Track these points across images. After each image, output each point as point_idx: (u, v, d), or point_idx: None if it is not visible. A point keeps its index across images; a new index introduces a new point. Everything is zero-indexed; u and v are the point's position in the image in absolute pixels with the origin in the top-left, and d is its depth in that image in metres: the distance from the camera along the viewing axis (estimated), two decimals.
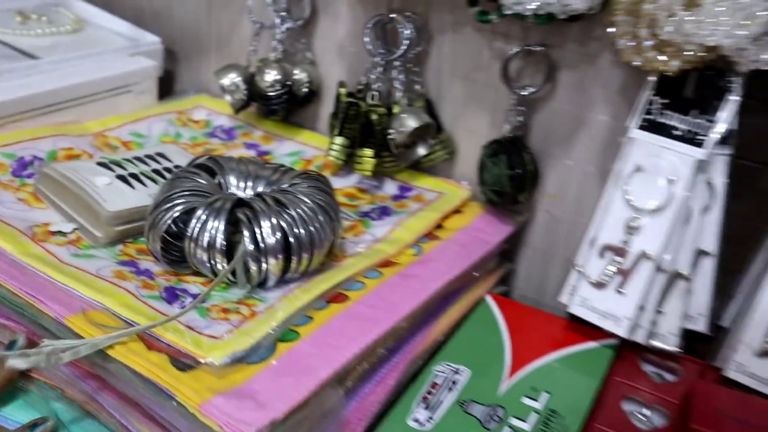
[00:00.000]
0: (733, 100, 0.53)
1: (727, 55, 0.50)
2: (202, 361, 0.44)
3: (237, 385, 0.43)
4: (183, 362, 0.44)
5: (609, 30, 0.54)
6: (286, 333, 0.48)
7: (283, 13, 0.72)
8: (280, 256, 0.51)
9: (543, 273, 0.69)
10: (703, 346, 0.59)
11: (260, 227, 0.50)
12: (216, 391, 0.42)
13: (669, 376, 0.58)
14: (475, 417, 0.51)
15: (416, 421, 0.49)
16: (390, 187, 0.69)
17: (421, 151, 0.68)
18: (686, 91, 0.55)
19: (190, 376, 0.43)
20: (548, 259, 0.69)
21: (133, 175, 0.60)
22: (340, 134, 0.67)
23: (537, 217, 0.68)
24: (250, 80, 0.72)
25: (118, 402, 0.45)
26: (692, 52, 0.51)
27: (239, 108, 0.74)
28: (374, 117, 0.66)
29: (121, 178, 0.59)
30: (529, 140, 0.65)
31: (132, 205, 0.57)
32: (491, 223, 0.66)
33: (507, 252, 0.69)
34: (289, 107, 0.74)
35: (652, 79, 0.56)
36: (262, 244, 0.50)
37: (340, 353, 0.47)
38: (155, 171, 0.62)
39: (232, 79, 0.72)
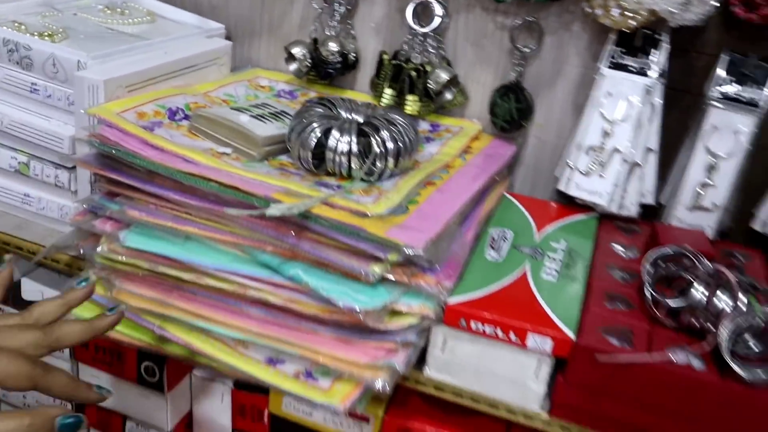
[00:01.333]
0: (666, 47, 0.84)
1: (663, 16, 0.80)
2: (370, 214, 0.69)
3: (398, 224, 0.68)
4: (361, 214, 0.69)
5: (586, 4, 0.84)
6: (409, 201, 0.74)
7: (337, 2, 0.97)
8: (393, 157, 0.76)
9: (533, 181, 0.98)
10: (651, 215, 0.90)
11: (382, 137, 0.76)
12: (387, 228, 0.67)
13: (636, 228, 0.88)
14: (526, 253, 0.78)
15: (491, 256, 0.77)
16: (425, 125, 0.96)
17: (448, 96, 0.95)
18: (636, 42, 0.85)
19: (369, 222, 0.68)
20: (537, 171, 0.97)
21: (260, 116, 0.84)
22: (389, 87, 0.93)
23: (528, 141, 0.97)
24: (314, 51, 0.97)
25: (315, 245, 0.69)
26: (642, 16, 0.81)
27: (302, 74, 0.98)
28: (414, 74, 0.92)
29: (254, 116, 0.83)
30: (526, 84, 0.93)
31: (271, 132, 0.80)
32: (502, 145, 0.94)
33: (509, 167, 0.97)
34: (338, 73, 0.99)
35: (613, 36, 0.85)
36: (383, 148, 0.76)
37: (448, 207, 0.73)
38: (271, 114, 0.85)
39: (300, 50, 0.96)
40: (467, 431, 0.78)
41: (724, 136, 0.83)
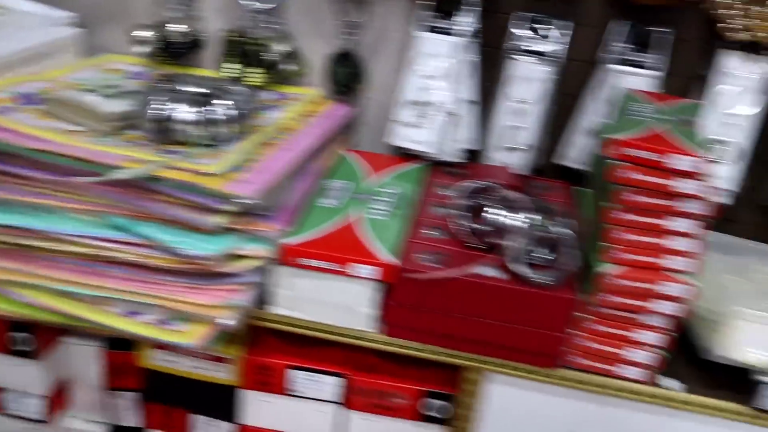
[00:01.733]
0: (474, 10, 0.95)
1: None
2: (209, 172, 0.77)
3: (235, 179, 0.77)
4: (201, 173, 0.77)
5: None
6: (247, 160, 0.82)
7: None
8: (231, 123, 0.85)
9: (373, 139, 1.08)
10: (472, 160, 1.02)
11: (220, 105, 0.84)
12: (225, 183, 0.76)
13: (458, 171, 0.99)
14: (360, 199, 0.89)
15: (328, 203, 0.87)
16: (271, 95, 1.04)
17: (288, 67, 1.03)
18: (444, 6, 0.96)
19: (207, 179, 0.76)
20: (376, 130, 1.08)
21: (108, 96, 0.90)
22: (231, 62, 1.01)
23: (367, 104, 1.07)
24: (163, 34, 1.03)
25: (162, 205, 0.77)
26: None
27: (153, 56, 1.05)
28: (253, 48, 1.01)
29: (102, 96, 0.89)
30: (359, 52, 1.03)
31: (118, 109, 0.87)
32: (338, 108, 1.04)
33: (351, 127, 1.07)
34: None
35: (425, 2, 0.96)
36: (222, 116, 0.84)
37: (282, 163, 0.82)
38: (120, 92, 0.92)
39: (148, 33, 1.03)
40: (318, 360, 0.88)
41: (524, 85, 0.95)
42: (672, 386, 0.79)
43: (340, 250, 0.78)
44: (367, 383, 0.85)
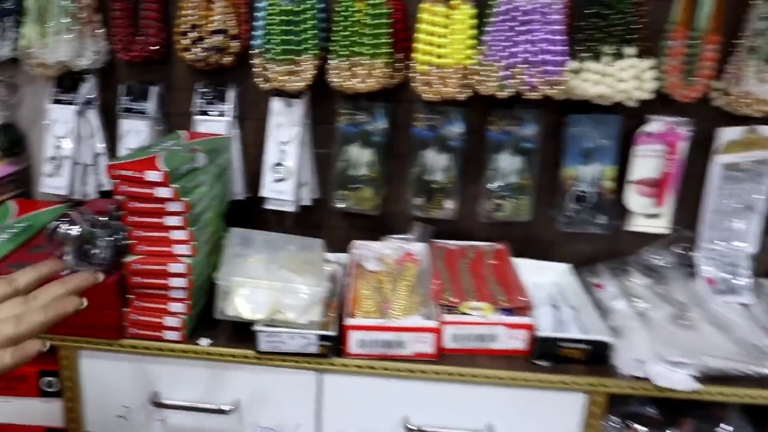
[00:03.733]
0: (92, 83, 1.26)
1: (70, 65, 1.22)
2: None
3: None
4: None
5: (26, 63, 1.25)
6: None
7: None
8: None
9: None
10: None
11: None
12: None
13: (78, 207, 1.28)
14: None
15: None
16: None
17: None
18: (66, 83, 1.26)
19: None
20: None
21: None
22: None
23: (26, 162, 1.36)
24: None
25: None
26: (53, 67, 1.22)
27: None
28: None
29: None
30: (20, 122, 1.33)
31: None
32: (6, 167, 1.33)
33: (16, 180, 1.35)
34: None
35: (54, 79, 1.27)
36: None
37: None
38: None
39: None
40: None
41: (134, 137, 1.25)
42: (203, 343, 1.06)
43: None
44: None
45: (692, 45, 1.13)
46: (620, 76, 1.11)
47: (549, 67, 1.09)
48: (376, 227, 1.29)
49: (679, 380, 0.99)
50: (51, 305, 0.70)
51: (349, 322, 1.03)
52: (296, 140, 1.23)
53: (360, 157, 1.23)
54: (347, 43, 1.13)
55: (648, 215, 1.24)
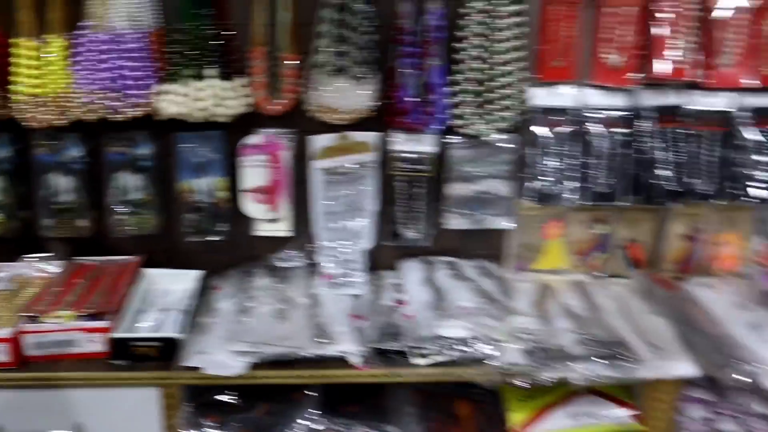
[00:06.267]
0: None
1: None
2: None
3: None
4: None
5: None
6: None
7: None
8: None
9: None
10: None
11: None
12: None
13: None
14: None
15: None
16: None
17: None
18: None
19: None
20: None
21: None
22: None
23: None
24: None
25: None
26: None
27: None
28: None
29: None
30: None
31: None
32: None
33: None
34: None
35: None
36: None
37: None
38: None
39: None
40: None
41: None
42: None
43: None
44: None
45: (273, 63, 1.25)
46: (198, 96, 1.21)
47: (131, 91, 1.19)
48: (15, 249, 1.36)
49: (229, 367, 1.09)
50: None
51: None
52: None
53: None
54: None
55: (268, 220, 1.35)
